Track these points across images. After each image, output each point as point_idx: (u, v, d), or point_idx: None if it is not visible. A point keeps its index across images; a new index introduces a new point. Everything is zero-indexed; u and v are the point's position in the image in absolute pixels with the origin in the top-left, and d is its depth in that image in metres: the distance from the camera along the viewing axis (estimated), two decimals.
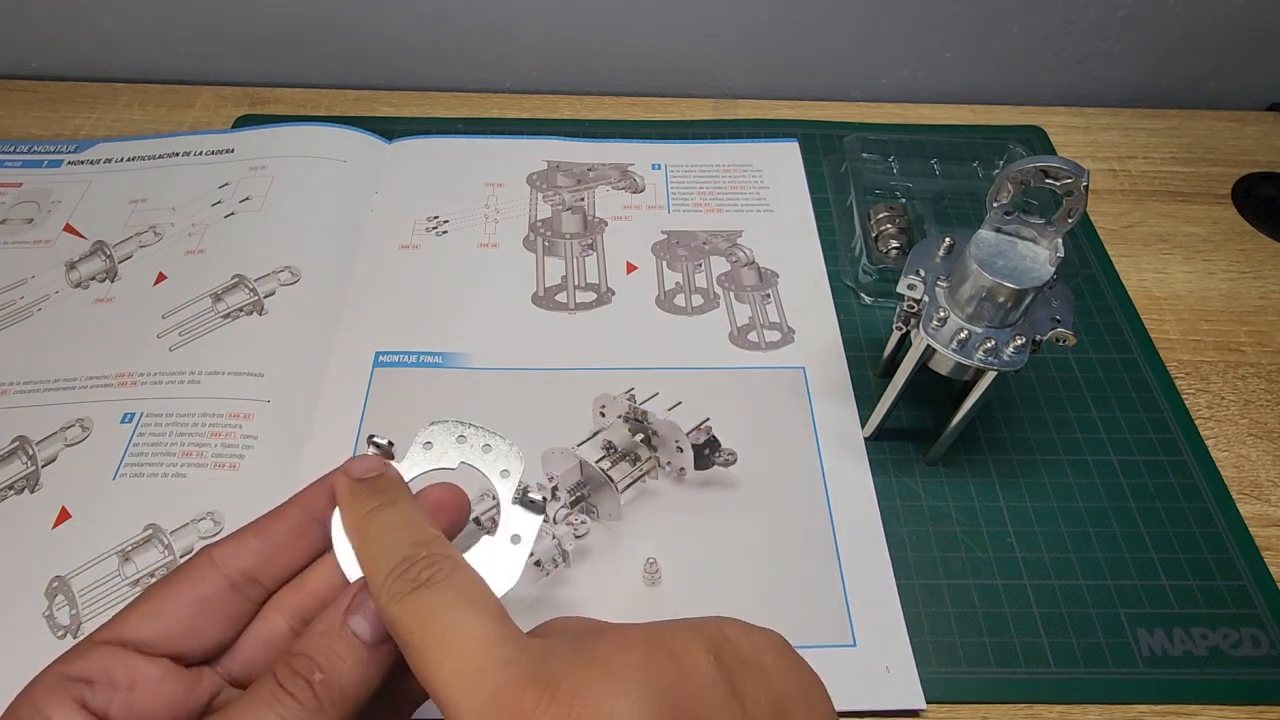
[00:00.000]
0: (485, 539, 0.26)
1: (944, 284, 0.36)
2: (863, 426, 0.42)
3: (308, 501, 0.26)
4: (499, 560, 0.25)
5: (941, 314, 0.35)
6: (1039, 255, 0.34)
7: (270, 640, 0.25)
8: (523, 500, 0.27)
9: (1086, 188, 0.32)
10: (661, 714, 0.19)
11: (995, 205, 0.34)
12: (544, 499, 0.27)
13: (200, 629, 0.24)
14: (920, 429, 0.42)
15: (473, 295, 0.47)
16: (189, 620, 0.24)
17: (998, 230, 0.34)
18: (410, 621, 0.21)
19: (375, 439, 0.27)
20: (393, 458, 0.27)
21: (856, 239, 0.50)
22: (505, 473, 0.27)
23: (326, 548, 0.27)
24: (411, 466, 0.27)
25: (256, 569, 0.25)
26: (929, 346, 0.35)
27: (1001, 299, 0.33)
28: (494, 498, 0.36)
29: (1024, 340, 0.34)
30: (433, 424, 0.28)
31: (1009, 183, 0.33)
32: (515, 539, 0.26)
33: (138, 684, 0.23)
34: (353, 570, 0.24)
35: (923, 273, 0.36)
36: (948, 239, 0.36)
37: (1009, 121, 0.59)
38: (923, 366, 0.37)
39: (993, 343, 0.34)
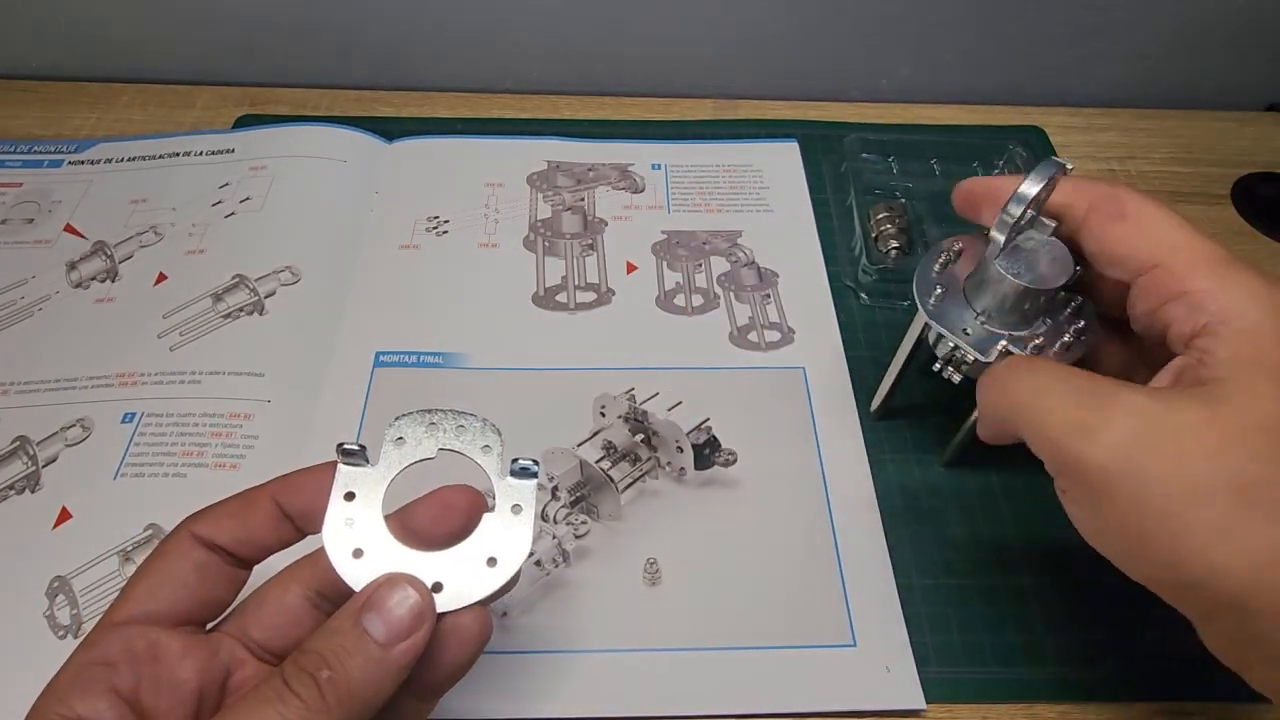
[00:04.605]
0: (487, 516, 0.26)
1: (942, 293, 0.35)
2: (862, 426, 0.42)
3: (282, 494, 0.26)
4: (506, 534, 0.25)
5: (966, 329, 0.34)
6: (1054, 249, 0.33)
7: (289, 609, 0.26)
8: (514, 471, 0.26)
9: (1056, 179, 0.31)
10: None
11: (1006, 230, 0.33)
12: (535, 462, 0.26)
13: (205, 593, 0.25)
14: (922, 429, 0.42)
15: (473, 295, 0.47)
16: (193, 587, 0.25)
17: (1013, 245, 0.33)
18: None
19: (345, 445, 0.26)
20: (366, 461, 0.26)
21: (856, 239, 0.50)
22: (486, 448, 0.27)
23: (299, 539, 0.26)
24: (388, 467, 0.26)
25: (232, 548, 0.26)
26: (926, 333, 0.35)
27: (1027, 305, 0.33)
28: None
29: (1042, 340, 0.33)
30: (398, 418, 0.27)
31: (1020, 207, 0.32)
32: (516, 509, 0.26)
33: (160, 656, 0.24)
34: (353, 578, 0.24)
35: (936, 293, 0.35)
36: (942, 255, 0.35)
37: (1008, 121, 0.59)
38: (927, 367, 0.37)
39: (1041, 341, 0.33)
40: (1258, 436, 0.25)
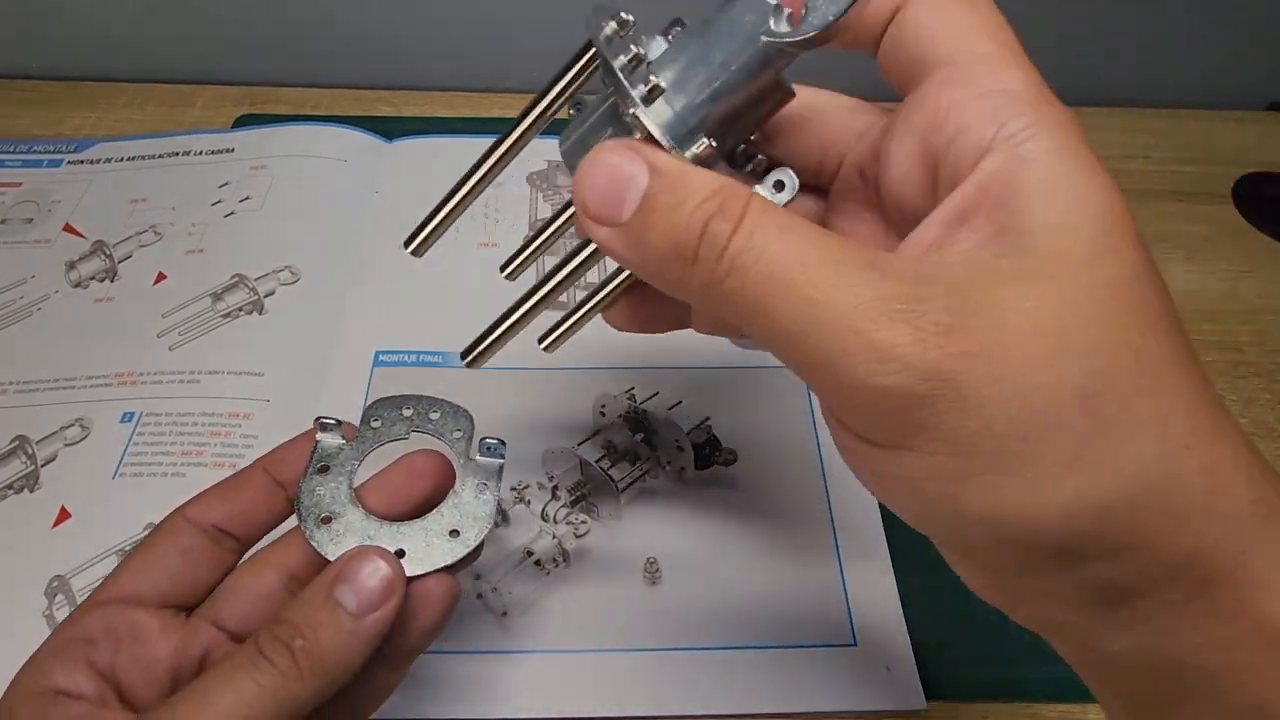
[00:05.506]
0: (454, 491, 0.27)
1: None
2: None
3: (272, 465, 0.27)
4: (469, 508, 0.27)
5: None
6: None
7: (263, 595, 0.26)
8: (481, 450, 0.28)
9: None
10: None
11: None
12: (502, 441, 0.28)
13: (189, 577, 0.26)
14: None
15: (473, 295, 0.47)
16: (177, 570, 0.26)
17: None
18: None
19: (323, 419, 0.27)
20: (342, 437, 0.27)
21: None
22: (457, 432, 0.28)
23: (291, 510, 0.27)
24: (363, 445, 0.28)
25: (226, 524, 0.26)
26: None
27: (748, 93, 0.22)
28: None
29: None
30: (375, 403, 0.29)
31: None
32: (482, 486, 0.27)
33: (139, 636, 0.24)
34: (322, 544, 0.25)
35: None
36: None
37: None
38: None
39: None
40: (1094, 312, 0.17)
